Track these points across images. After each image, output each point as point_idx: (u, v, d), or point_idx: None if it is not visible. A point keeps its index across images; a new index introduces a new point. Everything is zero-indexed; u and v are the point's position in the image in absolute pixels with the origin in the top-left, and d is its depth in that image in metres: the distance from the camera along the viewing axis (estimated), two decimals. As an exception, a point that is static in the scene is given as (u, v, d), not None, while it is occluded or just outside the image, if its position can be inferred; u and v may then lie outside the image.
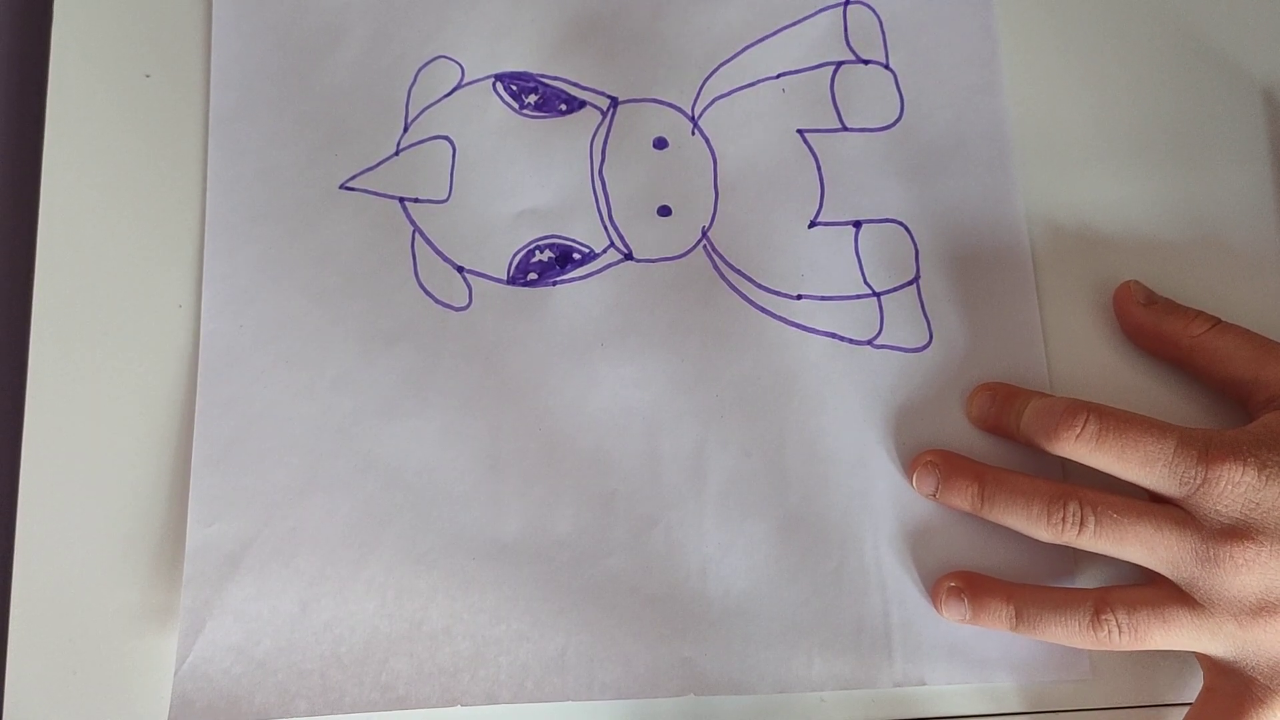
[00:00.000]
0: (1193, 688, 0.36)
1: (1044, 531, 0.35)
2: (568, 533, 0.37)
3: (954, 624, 0.36)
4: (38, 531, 0.37)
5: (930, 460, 0.37)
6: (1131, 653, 0.37)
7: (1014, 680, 0.36)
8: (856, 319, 0.39)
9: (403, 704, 0.35)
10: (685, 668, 0.36)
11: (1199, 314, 0.37)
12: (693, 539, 0.37)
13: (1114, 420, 0.34)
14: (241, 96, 0.41)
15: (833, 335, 0.39)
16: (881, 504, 0.37)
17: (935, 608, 0.37)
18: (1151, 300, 0.38)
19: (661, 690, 0.35)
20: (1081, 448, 0.34)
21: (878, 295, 0.39)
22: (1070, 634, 0.34)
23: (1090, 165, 0.41)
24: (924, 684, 0.36)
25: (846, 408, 0.38)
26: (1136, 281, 0.39)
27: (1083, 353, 0.39)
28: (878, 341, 0.39)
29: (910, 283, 0.39)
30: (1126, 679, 0.37)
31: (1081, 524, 0.34)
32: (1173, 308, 0.38)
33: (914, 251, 0.39)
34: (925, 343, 0.39)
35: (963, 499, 0.36)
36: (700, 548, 0.37)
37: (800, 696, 0.36)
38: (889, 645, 0.36)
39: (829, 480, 0.37)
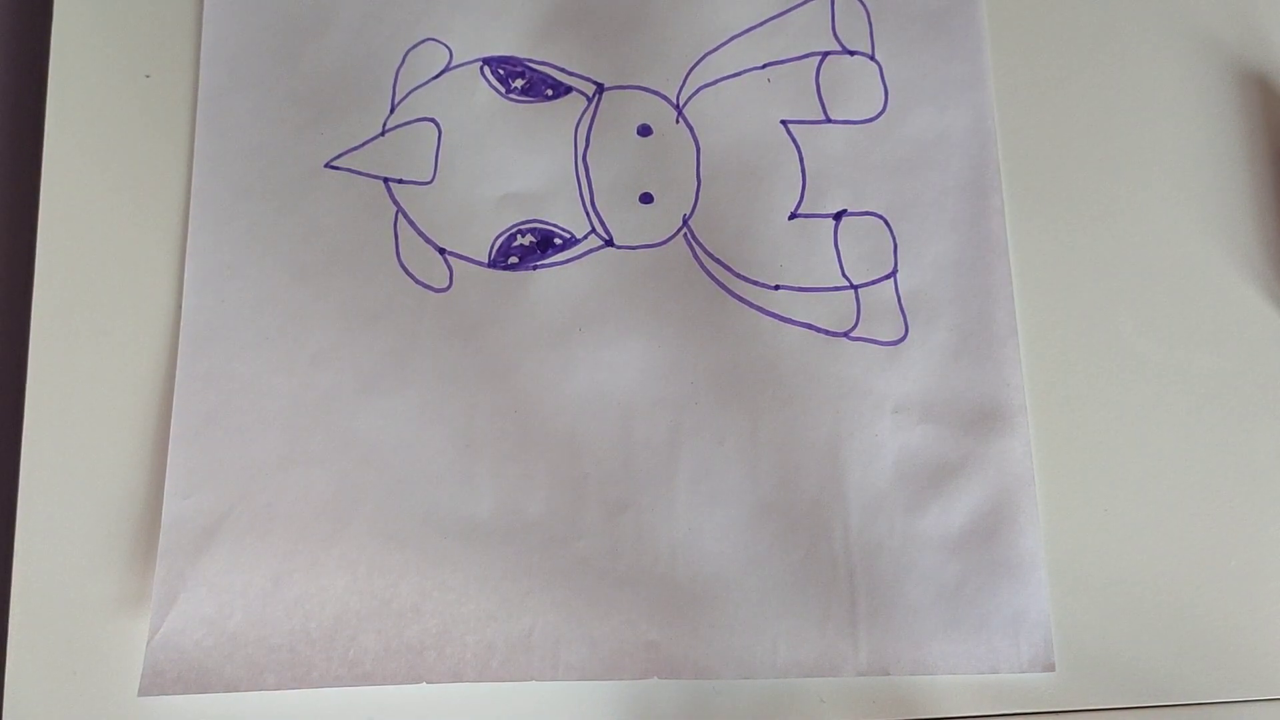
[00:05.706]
0: (1184, 687, 0.36)
1: None
2: (539, 514, 0.37)
3: (919, 616, 0.36)
4: (37, 508, 0.38)
5: None
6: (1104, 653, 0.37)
7: (977, 674, 0.36)
8: (833, 311, 0.39)
9: (369, 680, 0.36)
10: (650, 651, 0.36)
11: None
12: (663, 524, 0.37)
13: None
14: (231, 73, 0.41)
15: (809, 326, 0.39)
16: (852, 495, 0.37)
17: None
18: None
19: (625, 673, 0.36)
20: None
21: (855, 288, 0.39)
22: None
23: (1075, 161, 0.41)
24: (887, 674, 0.36)
25: (820, 398, 0.38)
26: None
27: (1058, 351, 0.39)
28: (854, 334, 0.39)
29: (888, 276, 0.39)
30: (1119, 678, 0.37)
31: None
32: None
33: (893, 245, 0.39)
34: (901, 336, 0.39)
35: None
36: (670, 533, 0.37)
37: (799, 695, 0.36)
38: (854, 635, 0.36)
39: (800, 470, 0.37)
